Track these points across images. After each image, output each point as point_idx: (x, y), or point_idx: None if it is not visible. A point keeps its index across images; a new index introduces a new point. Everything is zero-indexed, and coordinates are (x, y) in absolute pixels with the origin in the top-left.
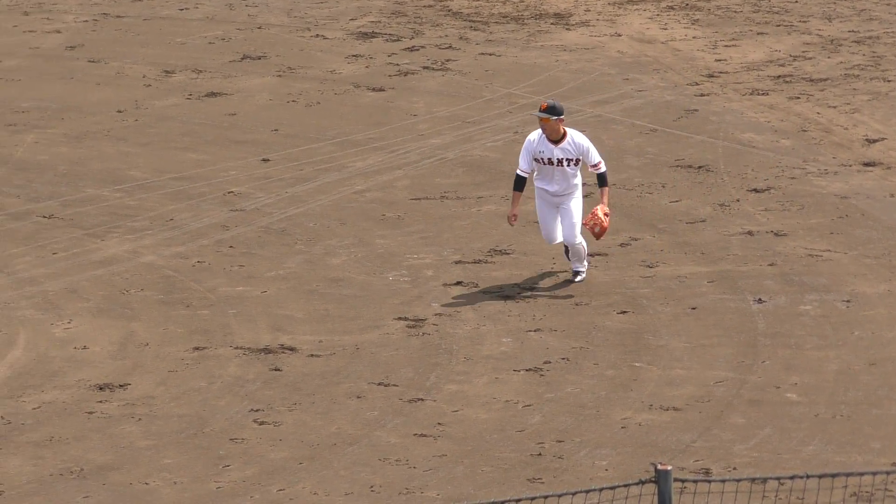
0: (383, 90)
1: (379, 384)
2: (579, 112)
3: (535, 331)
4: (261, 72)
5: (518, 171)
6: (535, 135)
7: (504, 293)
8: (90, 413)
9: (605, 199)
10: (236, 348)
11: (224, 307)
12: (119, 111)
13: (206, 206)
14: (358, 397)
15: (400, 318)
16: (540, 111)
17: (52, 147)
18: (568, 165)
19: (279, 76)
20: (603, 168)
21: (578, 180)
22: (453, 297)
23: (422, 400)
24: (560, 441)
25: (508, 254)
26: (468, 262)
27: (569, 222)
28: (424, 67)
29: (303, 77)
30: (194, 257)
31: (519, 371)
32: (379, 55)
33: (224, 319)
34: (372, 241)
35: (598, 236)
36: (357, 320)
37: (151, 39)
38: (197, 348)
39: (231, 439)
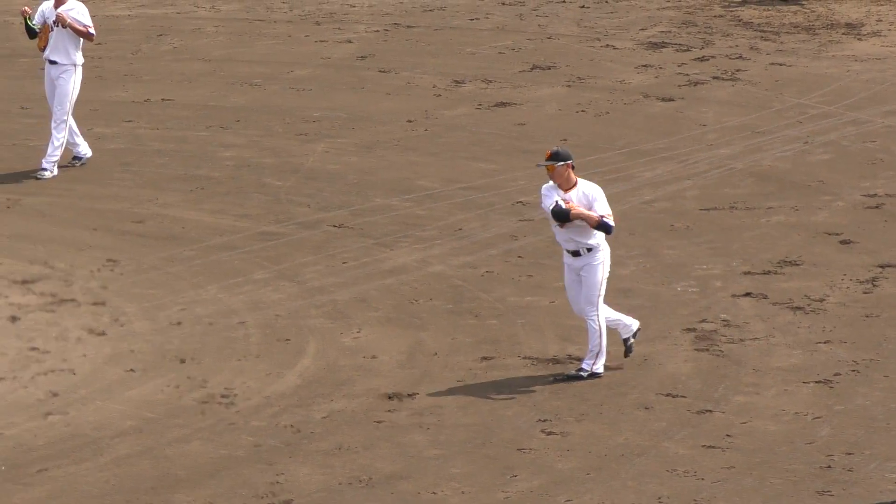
0: (672, 100)
1: (667, 395)
2: (870, 122)
3: (824, 342)
4: (550, 82)
5: (552, 206)
6: (547, 184)
7: (794, 304)
8: (379, 422)
9: (587, 214)
10: (524, 358)
11: (512, 317)
12: (409, 121)
13: (495, 215)
14: (646, 408)
15: (688, 330)
16: (545, 160)
17: (343, 156)
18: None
19: (568, 86)
20: (611, 221)
21: (596, 241)
22: (742, 309)
23: (710, 411)
24: (850, 454)
25: (798, 265)
26: (757, 273)
27: (585, 294)
28: (714, 77)
29: (592, 87)
30: (483, 267)
31: (808, 383)
32: (668, 65)
33: (512, 329)
34: (660, 251)
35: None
36: (645, 331)
37: (441, 49)
38: (485, 358)
39: (518, 449)
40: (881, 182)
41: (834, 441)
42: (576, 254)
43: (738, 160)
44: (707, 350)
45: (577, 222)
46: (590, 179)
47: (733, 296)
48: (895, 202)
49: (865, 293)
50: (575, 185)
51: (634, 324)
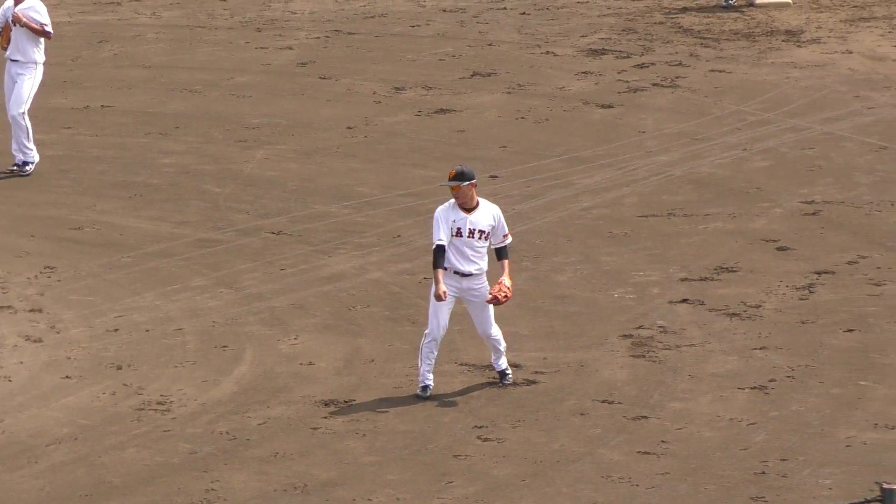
0: (612, 107)
1: (603, 401)
2: (808, 129)
3: (760, 349)
4: (490, 88)
5: (437, 243)
6: (444, 205)
7: (730, 311)
8: (315, 429)
9: (509, 272)
10: (461, 365)
11: (449, 324)
12: (349, 127)
13: None
14: (581, 414)
15: (625, 336)
16: (449, 180)
17: (282, 163)
18: (481, 237)
19: (508, 93)
20: (510, 239)
21: (485, 264)
22: (679, 315)
23: (646, 417)
24: (784, 460)
25: (735, 271)
26: (694, 280)
27: (486, 315)
28: (654, 84)
29: (532, 94)
30: (421, 274)
31: (744, 389)
32: (608, 72)
33: (449, 336)
34: (598, 258)
35: (496, 304)
36: (582, 337)
37: (382, 56)
38: None
39: (455, 455)
40: (819, 189)
41: (769, 447)
42: (467, 275)
43: (676, 167)
44: (643, 356)
45: (479, 245)
46: (529, 186)
47: (670, 302)
48: (833, 209)
49: (802, 300)
50: (477, 205)
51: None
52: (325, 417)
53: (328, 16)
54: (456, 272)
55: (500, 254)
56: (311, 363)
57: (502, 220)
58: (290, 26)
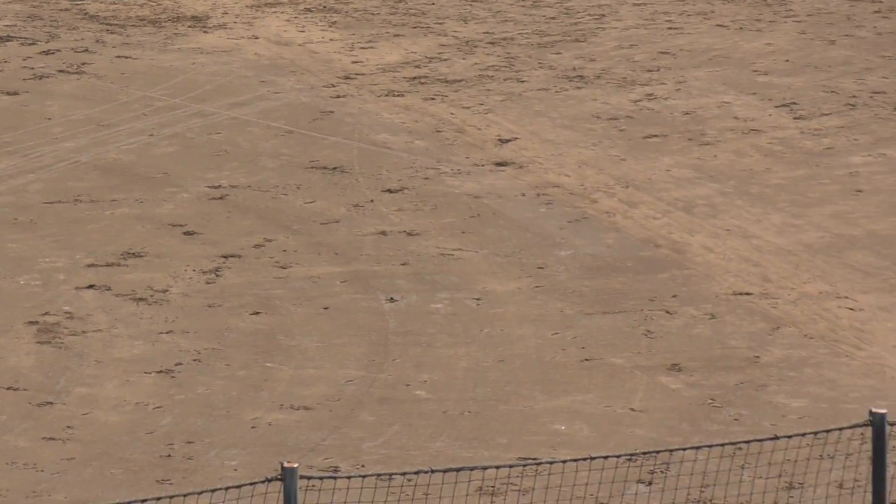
0: (17, 94)
1: (8, 388)
2: (215, 114)
3: (167, 333)
4: None
5: None
6: None
7: (137, 296)
8: None
9: None
10: None
11: None
12: None
13: None
14: None
15: (31, 322)
16: None
17: None
18: None
19: None
20: None
21: None
22: (85, 301)
23: (51, 403)
24: (190, 442)
25: (142, 256)
26: (101, 266)
27: None
28: (60, 71)
29: None
30: None
31: (150, 373)
32: (14, 58)
33: None
34: (3, 245)
35: None
36: None
37: None
38: None
39: None
40: (225, 174)
41: (175, 430)
42: None
43: (83, 153)
44: (49, 342)
45: None
46: None
47: (77, 288)
48: (239, 193)
49: (208, 283)
50: None
51: None
52: None
53: None
54: None
55: None
56: None
57: None
58: None
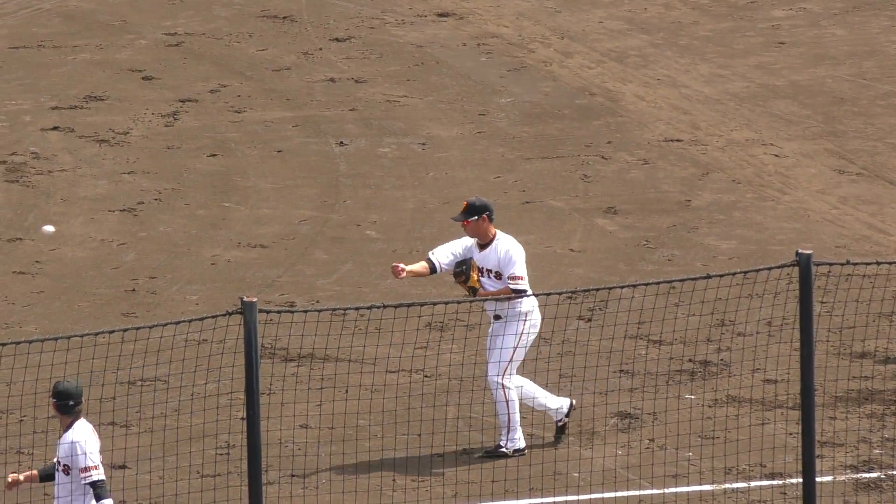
0: None
1: None
2: None
3: (129, 173)
4: None
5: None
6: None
7: (99, 137)
8: None
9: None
10: None
11: None
12: None
13: None
14: None
15: None
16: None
17: None
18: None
19: None
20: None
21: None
22: (50, 142)
23: (21, 239)
24: (153, 278)
25: (104, 100)
26: (65, 108)
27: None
28: None
29: None
30: None
31: (114, 211)
32: None
33: None
34: None
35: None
36: None
37: None
38: None
39: None
40: (181, 21)
41: (139, 266)
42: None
43: (46, 1)
44: (17, 181)
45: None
46: None
47: (42, 130)
48: (194, 40)
49: (167, 126)
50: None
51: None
52: None
53: None
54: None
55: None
56: None
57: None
58: None
